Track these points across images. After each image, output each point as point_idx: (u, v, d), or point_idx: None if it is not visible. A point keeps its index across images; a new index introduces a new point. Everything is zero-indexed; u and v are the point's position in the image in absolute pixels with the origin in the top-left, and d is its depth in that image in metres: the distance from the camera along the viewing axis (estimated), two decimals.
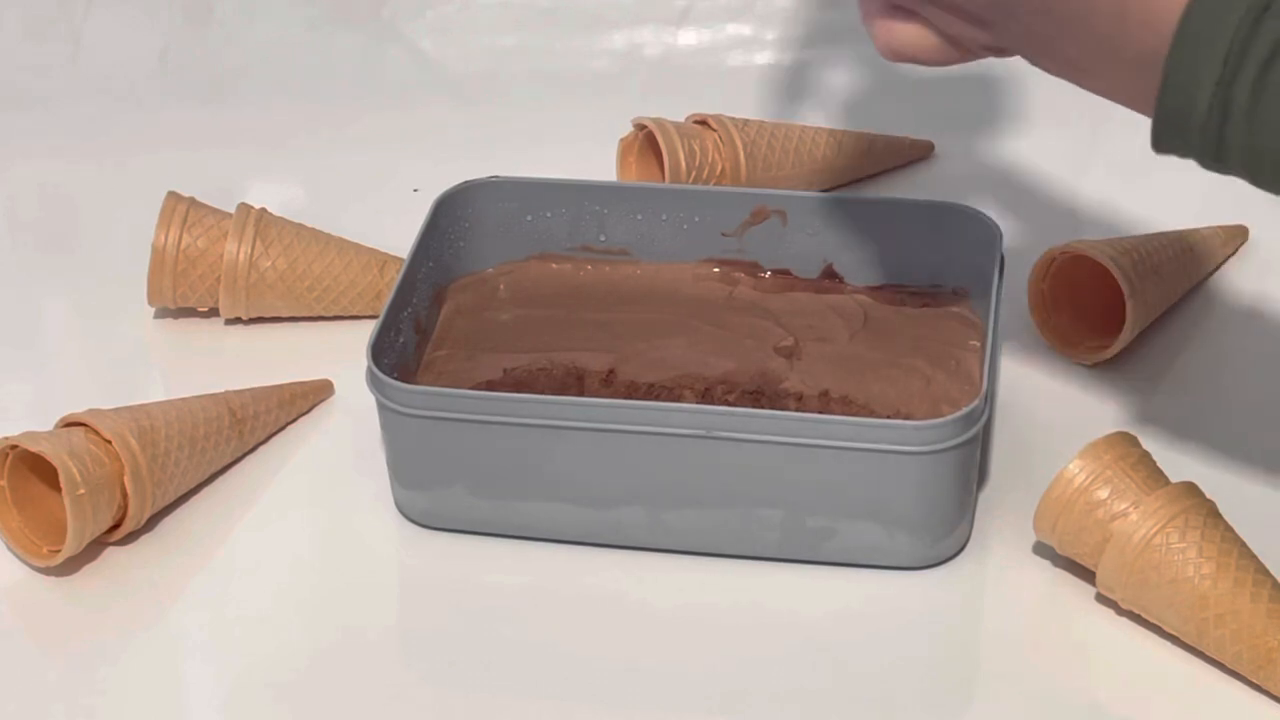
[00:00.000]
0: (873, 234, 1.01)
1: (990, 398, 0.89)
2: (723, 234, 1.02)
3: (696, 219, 1.02)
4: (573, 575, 0.91)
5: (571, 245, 1.03)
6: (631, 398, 0.95)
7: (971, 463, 0.89)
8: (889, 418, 0.93)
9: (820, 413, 0.93)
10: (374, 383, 0.90)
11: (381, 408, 0.90)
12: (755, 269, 1.03)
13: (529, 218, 1.03)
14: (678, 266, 1.03)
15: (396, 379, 0.91)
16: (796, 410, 0.94)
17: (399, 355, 0.95)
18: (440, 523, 0.93)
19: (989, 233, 0.97)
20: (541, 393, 0.95)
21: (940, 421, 0.86)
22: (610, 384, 0.96)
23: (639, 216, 1.02)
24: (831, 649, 0.87)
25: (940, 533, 0.89)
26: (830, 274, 1.02)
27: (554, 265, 1.04)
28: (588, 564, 0.91)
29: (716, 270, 1.03)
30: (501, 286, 1.03)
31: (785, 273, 1.03)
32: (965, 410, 0.86)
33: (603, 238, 1.03)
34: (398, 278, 0.96)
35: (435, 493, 0.92)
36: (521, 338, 1.00)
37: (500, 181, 1.03)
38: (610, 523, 0.91)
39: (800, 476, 0.87)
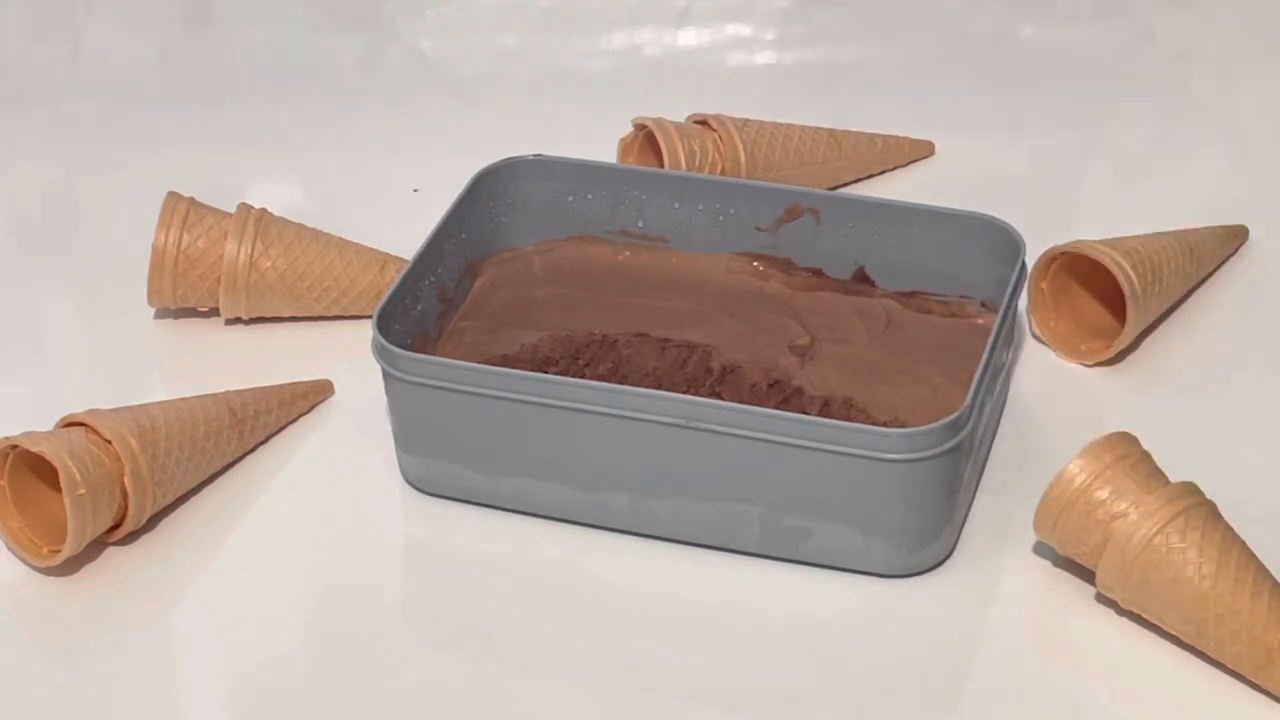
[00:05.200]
0: (906, 240, 1.00)
1: (976, 411, 0.88)
2: (757, 228, 1.02)
3: (732, 211, 1.02)
4: (564, 554, 0.92)
5: (611, 229, 1.04)
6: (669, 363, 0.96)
7: (953, 474, 0.88)
8: (885, 424, 0.92)
9: (821, 414, 0.93)
10: (374, 345, 0.91)
11: (384, 372, 0.92)
12: (789, 266, 1.03)
13: (570, 198, 1.04)
14: (713, 258, 1.03)
15: (410, 345, 0.93)
16: (798, 409, 0.94)
17: (415, 322, 0.96)
18: (437, 489, 0.94)
19: (1014, 248, 0.96)
20: (549, 370, 0.95)
21: (917, 430, 0.85)
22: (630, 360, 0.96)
23: (677, 205, 1.02)
24: (829, 649, 0.87)
25: (917, 543, 0.89)
26: (862, 277, 1.02)
27: (592, 247, 1.04)
28: (579, 543, 0.92)
29: (751, 264, 1.03)
30: (537, 264, 1.04)
31: (818, 272, 1.02)
32: (945, 421, 0.85)
33: (641, 224, 1.04)
34: (421, 246, 0.97)
35: (430, 459, 0.93)
36: (547, 315, 1.00)
37: (543, 160, 1.03)
38: (596, 505, 0.91)
39: (777, 474, 0.87)
